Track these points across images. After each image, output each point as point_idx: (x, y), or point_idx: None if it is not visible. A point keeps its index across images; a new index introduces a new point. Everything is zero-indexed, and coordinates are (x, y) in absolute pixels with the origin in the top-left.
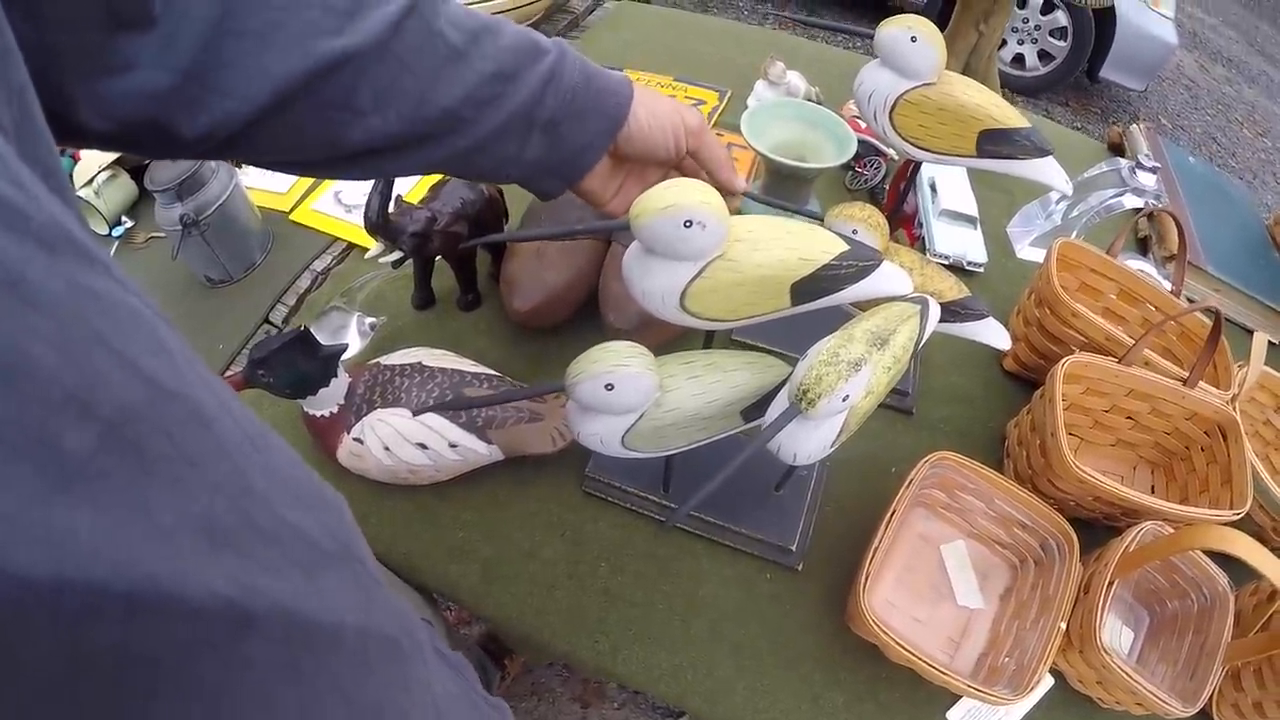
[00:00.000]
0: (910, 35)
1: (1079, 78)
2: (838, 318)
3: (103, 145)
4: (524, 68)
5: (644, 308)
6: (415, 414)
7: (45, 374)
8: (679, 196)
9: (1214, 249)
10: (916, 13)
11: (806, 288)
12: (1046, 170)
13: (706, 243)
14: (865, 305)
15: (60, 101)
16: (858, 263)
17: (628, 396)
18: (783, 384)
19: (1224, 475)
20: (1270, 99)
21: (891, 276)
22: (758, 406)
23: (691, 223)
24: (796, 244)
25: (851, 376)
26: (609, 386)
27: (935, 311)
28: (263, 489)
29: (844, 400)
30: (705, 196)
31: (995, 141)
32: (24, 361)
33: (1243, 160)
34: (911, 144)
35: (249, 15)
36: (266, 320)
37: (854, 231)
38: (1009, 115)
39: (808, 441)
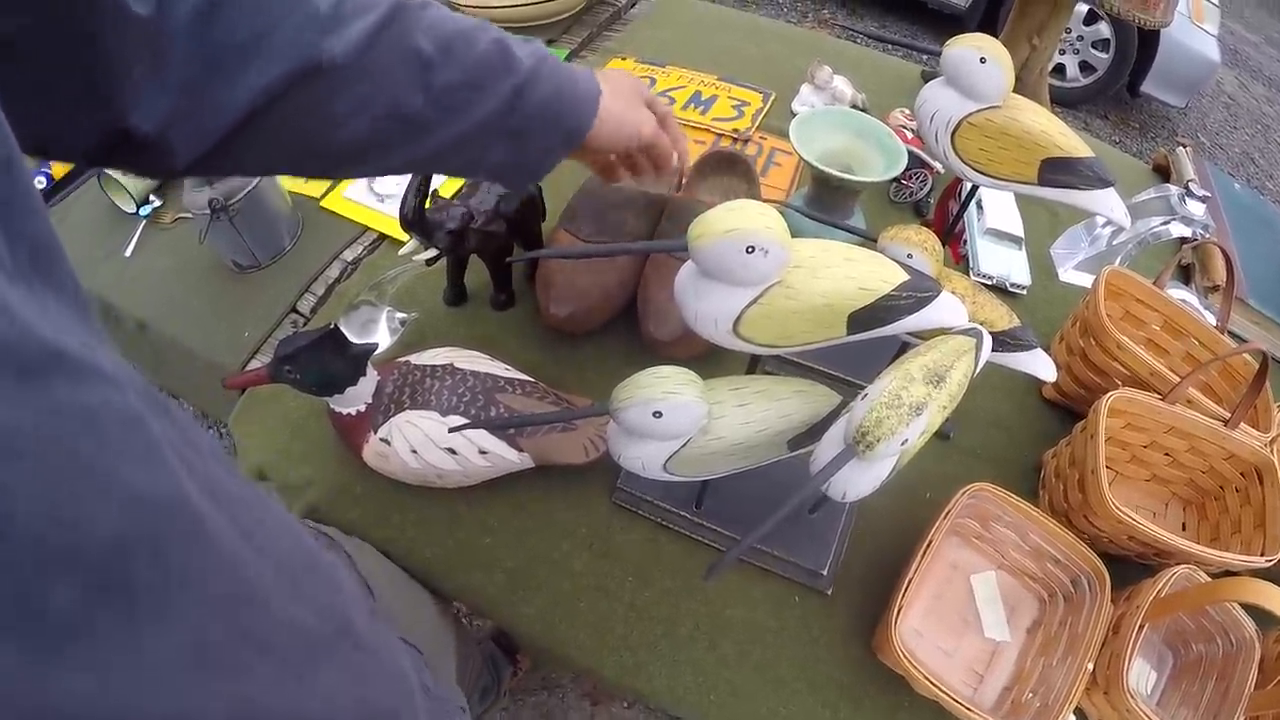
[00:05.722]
0: (979, 56)
1: (1119, 91)
2: (885, 341)
3: (97, 160)
4: (493, 80)
5: (694, 330)
6: (451, 430)
7: (27, 533)
8: (742, 221)
9: (1256, 281)
10: (960, 16)
11: (864, 318)
12: (1106, 201)
13: (767, 269)
14: (919, 334)
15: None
16: (916, 294)
17: (676, 424)
18: (831, 415)
19: (1257, 518)
20: None
21: (948, 308)
22: (805, 436)
23: (754, 248)
24: (856, 273)
25: (913, 421)
26: (657, 414)
27: (988, 345)
28: (258, 588)
29: (902, 444)
30: (769, 221)
31: (1058, 170)
32: (7, 522)
33: None
34: (972, 167)
35: (235, 28)
36: (294, 309)
37: (909, 256)
38: (1073, 144)
39: (859, 480)
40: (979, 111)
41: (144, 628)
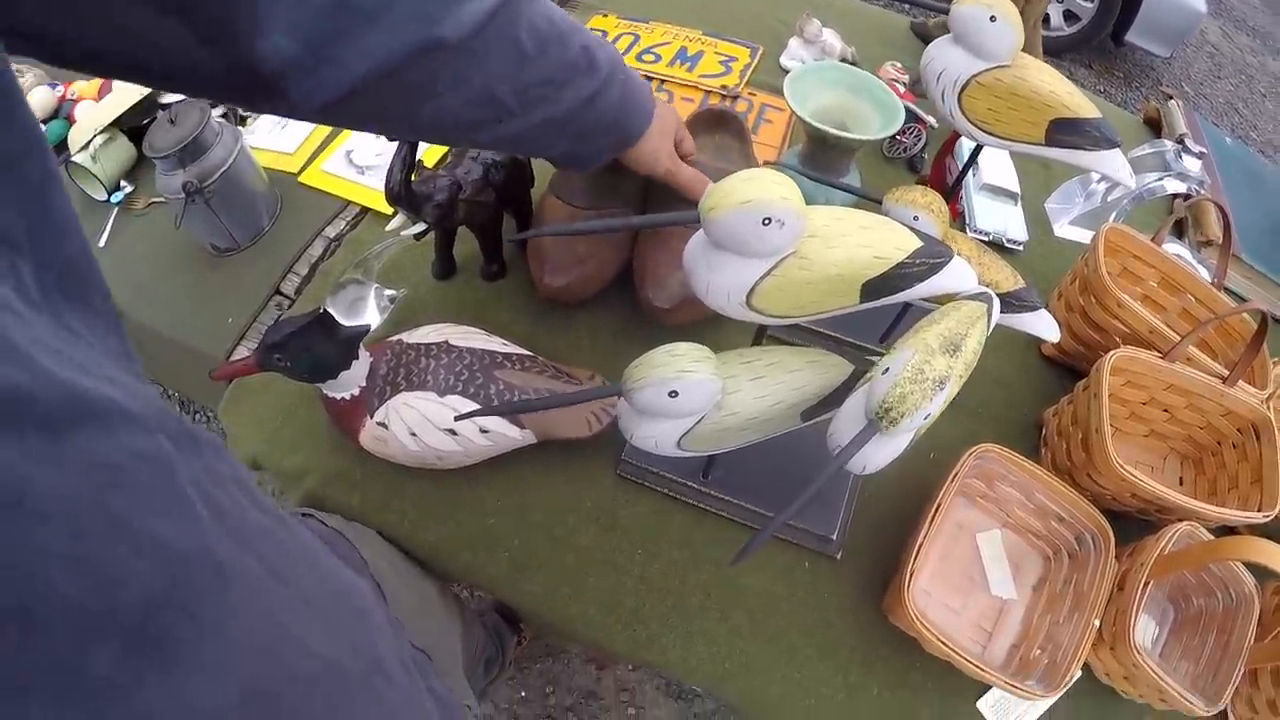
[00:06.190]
0: (989, 14)
1: (1104, 40)
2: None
3: (219, 95)
4: (575, 83)
5: (705, 301)
6: (458, 418)
7: (66, 602)
8: (759, 191)
9: (1248, 235)
10: None
11: (878, 286)
12: (1112, 162)
13: (783, 240)
14: (930, 299)
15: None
16: (929, 260)
17: (691, 403)
18: (844, 385)
19: (1254, 474)
20: None
21: (960, 273)
22: (818, 407)
23: (770, 220)
24: (870, 241)
25: (936, 395)
26: (673, 394)
27: (998, 308)
28: (291, 629)
29: (926, 418)
30: (785, 192)
31: (1066, 131)
32: (44, 593)
33: (1264, 133)
34: (979, 128)
35: None
36: (278, 291)
37: (915, 218)
38: (1081, 104)
39: (878, 454)
40: (988, 71)
41: (186, 681)
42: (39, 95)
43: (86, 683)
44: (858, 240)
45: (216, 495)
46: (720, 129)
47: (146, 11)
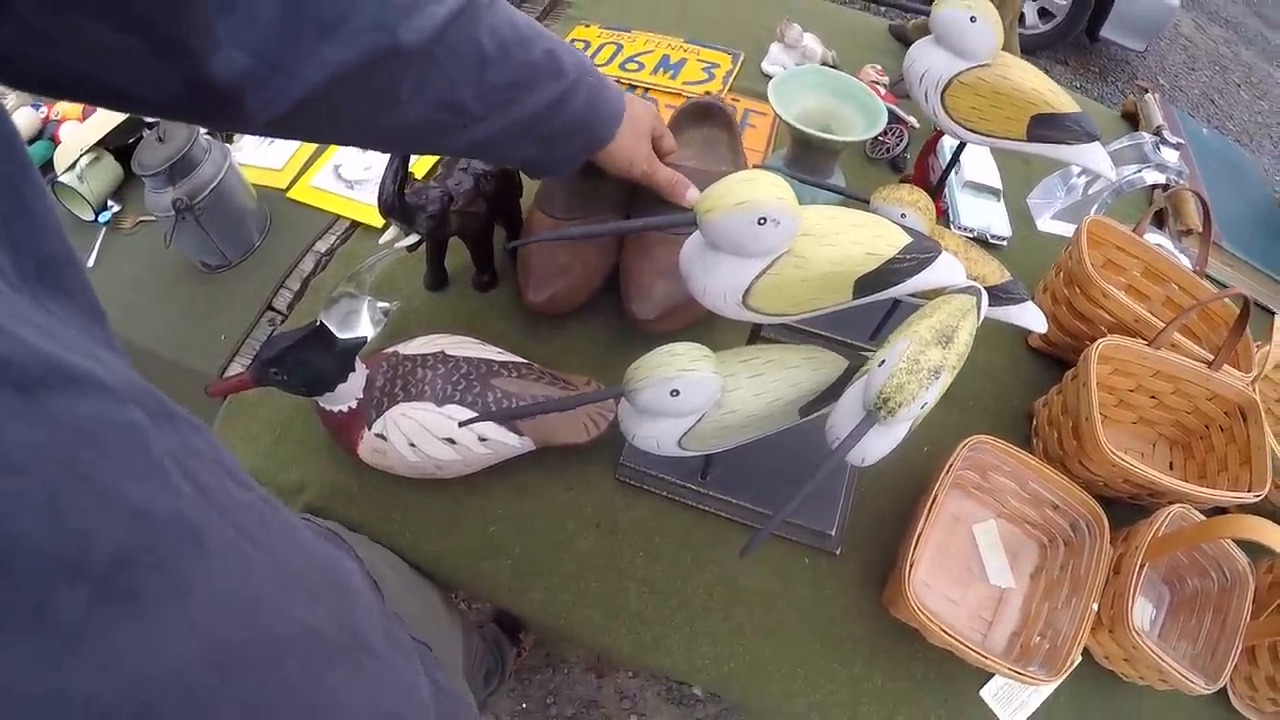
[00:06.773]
0: (970, 15)
1: (1078, 36)
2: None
3: (177, 113)
4: (539, 87)
5: (703, 304)
6: (461, 425)
7: (34, 546)
8: (753, 192)
9: (1228, 224)
10: None
11: (870, 282)
12: (1093, 156)
13: (778, 240)
14: (920, 294)
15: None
16: (919, 255)
17: (692, 401)
18: (840, 381)
19: (1242, 456)
20: (1267, 61)
21: (949, 267)
22: (815, 402)
23: (766, 220)
24: (862, 238)
25: (932, 384)
26: (674, 392)
27: (986, 301)
28: (267, 593)
29: (922, 407)
30: (780, 192)
31: (1047, 126)
32: (12, 537)
33: (1240, 123)
34: (962, 126)
35: (322, 3)
36: (270, 307)
37: (902, 216)
38: (1062, 100)
39: (877, 445)
40: (970, 70)
41: (156, 633)
42: (23, 117)
43: (52, 625)
44: (850, 237)
45: (195, 469)
46: (708, 122)
47: (104, 29)
